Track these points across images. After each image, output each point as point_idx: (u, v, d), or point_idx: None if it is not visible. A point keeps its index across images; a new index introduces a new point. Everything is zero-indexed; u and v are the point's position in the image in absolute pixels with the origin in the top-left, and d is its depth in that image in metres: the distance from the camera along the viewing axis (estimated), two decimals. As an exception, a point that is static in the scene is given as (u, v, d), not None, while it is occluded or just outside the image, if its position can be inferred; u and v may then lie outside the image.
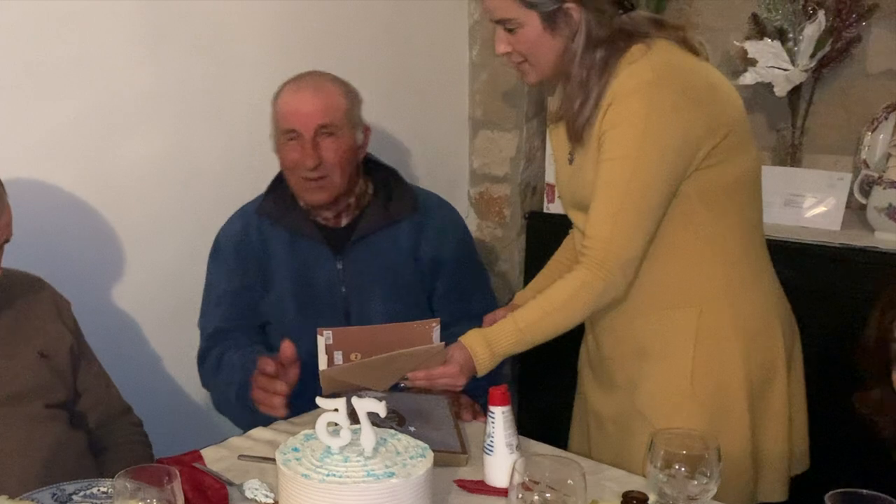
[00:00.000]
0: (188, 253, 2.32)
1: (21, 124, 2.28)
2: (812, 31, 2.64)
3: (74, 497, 1.66)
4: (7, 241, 1.85)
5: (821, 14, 2.63)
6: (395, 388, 1.90)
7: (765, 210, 1.98)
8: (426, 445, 1.53)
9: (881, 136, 2.63)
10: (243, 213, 2.31)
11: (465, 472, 1.75)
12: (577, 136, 1.86)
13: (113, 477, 1.40)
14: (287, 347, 1.96)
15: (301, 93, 2.17)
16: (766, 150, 2.86)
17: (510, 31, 1.84)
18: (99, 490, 1.68)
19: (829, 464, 2.02)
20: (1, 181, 1.86)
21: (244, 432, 1.98)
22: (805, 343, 2.03)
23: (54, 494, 1.66)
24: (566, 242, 2.17)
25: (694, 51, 1.84)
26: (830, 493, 1.30)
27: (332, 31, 2.81)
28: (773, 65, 2.68)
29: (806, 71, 2.68)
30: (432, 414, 1.93)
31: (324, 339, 1.84)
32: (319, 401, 1.50)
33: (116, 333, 2.47)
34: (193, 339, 2.32)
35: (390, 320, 2.03)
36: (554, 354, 2.08)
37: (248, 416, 2.08)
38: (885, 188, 2.49)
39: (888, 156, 2.55)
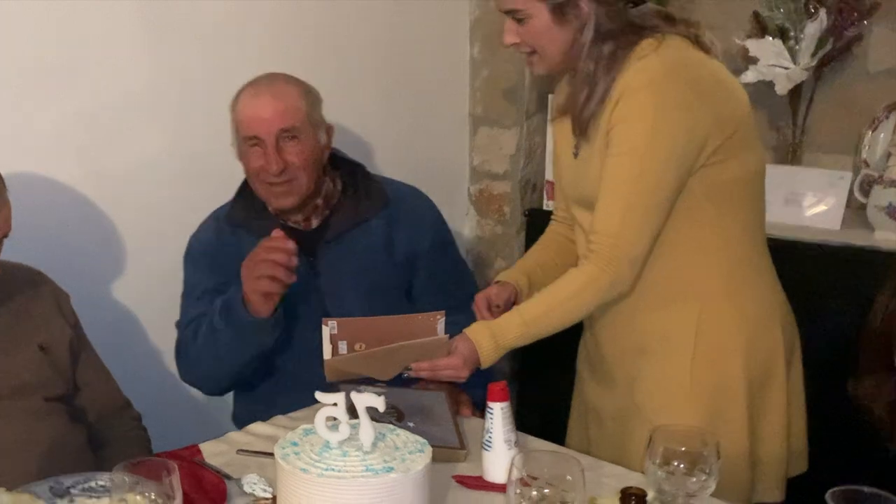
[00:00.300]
0: (188, 241, 2.32)
1: (21, 120, 2.28)
2: (813, 29, 2.64)
3: (72, 490, 1.66)
4: (6, 235, 1.86)
5: (822, 13, 2.63)
6: (398, 378, 1.90)
7: (765, 207, 1.98)
8: (425, 441, 1.53)
9: (882, 136, 2.63)
10: (215, 219, 2.29)
11: (464, 468, 1.76)
12: (582, 130, 1.85)
13: (111, 470, 1.40)
14: (277, 232, 2.01)
15: (259, 98, 2.14)
16: (767, 148, 2.85)
17: (519, 21, 1.83)
18: (97, 483, 1.67)
19: (828, 465, 2.02)
20: (1, 175, 1.86)
21: (243, 427, 1.98)
22: (804, 342, 2.02)
23: (52, 487, 1.66)
24: (549, 236, 2.15)
25: (705, 49, 1.84)
26: (831, 490, 1.30)
27: (332, 29, 2.81)
28: (775, 63, 2.68)
29: (807, 69, 2.68)
30: (431, 410, 1.93)
31: (328, 328, 1.84)
32: (318, 395, 1.50)
33: (116, 328, 2.47)
34: (192, 334, 2.32)
35: None
36: (553, 351, 2.07)
37: (237, 353, 2.07)
38: (885, 187, 2.49)
39: (888, 155, 2.55)
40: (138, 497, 1.37)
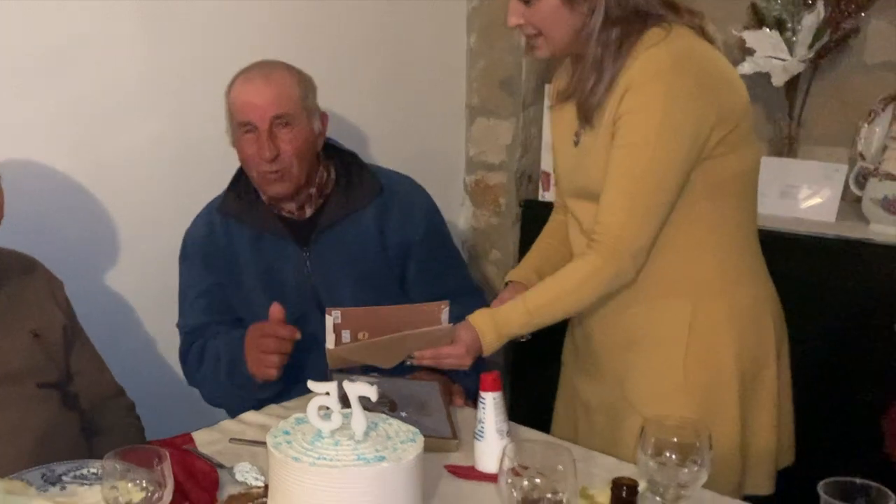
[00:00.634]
0: (183, 237, 2.32)
1: (16, 107, 2.28)
2: (811, 21, 2.63)
3: (64, 477, 1.66)
4: (-1, 222, 1.85)
5: (819, 4, 2.63)
6: (401, 365, 1.90)
7: (760, 201, 1.97)
8: (417, 430, 1.53)
9: (878, 128, 2.63)
10: (208, 212, 2.29)
11: (456, 458, 1.76)
12: (587, 117, 1.84)
13: (103, 458, 1.40)
14: (276, 310, 1.99)
15: (253, 84, 2.13)
16: (763, 140, 2.85)
17: (526, 2, 1.81)
18: (89, 471, 1.67)
19: (815, 458, 2.02)
20: (-5, 162, 1.86)
21: (235, 416, 1.98)
22: (798, 335, 2.02)
23: (44, 475, 1.66)
24: (553, 225, 2.15)
25: (710, 40, 1.83)
26: (824, 482, 1.30)
27: (328, 18, 2.80)
28: (771, 55, 2.68)
29: (804, 61, 2.67)
30: (424, 400, 1.93)
31: (332, 318, 1.84)
32: (311, 384, 1.50)
33: (110, 316, 2.46)
34: (186, 323, 2.32)
35: None
36: (546, 342, 2.07)
37: (238, 396, 2.08)
38: (880, 180, 2.49)
39: (884, 148, 2.55)
40: (130, 484, 1.37)
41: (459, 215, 3.32)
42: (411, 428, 1.53)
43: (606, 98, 1.79)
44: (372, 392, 1.47)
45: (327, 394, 1.48)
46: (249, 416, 1.96)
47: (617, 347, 1.95)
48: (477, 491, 1.64)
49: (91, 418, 2.04)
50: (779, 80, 2.69)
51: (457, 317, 1.87)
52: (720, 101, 1.77)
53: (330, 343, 1.84)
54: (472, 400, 1.92)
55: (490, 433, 1.69)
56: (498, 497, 1.39)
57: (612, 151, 1.79)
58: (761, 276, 1.96)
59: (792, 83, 2.73)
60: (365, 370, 2.03)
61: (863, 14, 2.67)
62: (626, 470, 1.61)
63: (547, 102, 2.65)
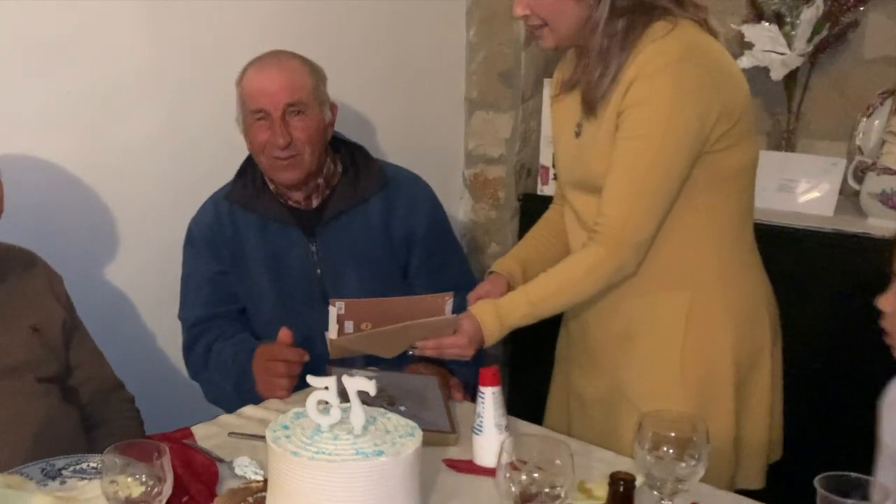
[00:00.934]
0: (183, 230, 2.31)
1: (16, 99, 2.28)
2: (809, 15, 2.63)
3: (64, 472, 1.67)
4: (-1, 216, 1.86)
5: (818, -1, 2.63)
6: (403, 355, 1.91)
7: (758, 195, 1.98)
8: (415, 424, 1.53)
9: (876, 122, 2.63)
10: (214, 201, 2.30)
11: (455, 452, 1.76)
12: (591, 108, 1.84)
13: (103, 452, 1.40)
14: (285, 335, 2.00)
15: (266, 72, 2.16)
16: (761, 134, 2.85)
17: None
18: (88, 465, 1.69)
19: (804, 453, 2.03)
20: (-6, 157, 1.86)
21: (235, 410, 1.99)
22: (794, 328, 2.03)
23: (44, 469, 1.67)
24: (550, 215, 2.14)
25: (713, 34, 1.83)
26: (820, 476, 1.30)
27: (329, 11, 2.80)
28: (770, 49, 2.68)
29: (802, 55, 2.67)
30: (423, 394, 1.93)
31: (335, 309, 1.84)
32: (310, 379, 1.50)
33: (109, 310, 2.47)
34: (186, 317, 2.32)
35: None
36: (545, 336, 2.08)
37: (242, 403, 2.09)
38: (878, 174, 2.49)
39: (882, 142, 2.55)
40: (129, 479, 1.38)
41: (458, 209, 3.32)
42: (410, 422, 1.54)
43: (611, 90, 1.79)
44: (370, 386, 1.48)
45: (326, 388, 1.48)
46: (249, 410, 1.96)
47: (613, 340, 1.95)
48: (475, 485, 1.65)
49: (90, 412, 2.04)
50: (777, 74, 2.69)
51: (458, 309, 1.88)
52: (724, 97, 1.78)
53: (332, 333, 1.85)
54: (472, 394, 1.93)
55: (489, 427, 1.70)
56: (496, 491, 1.39)
57: (616, 143, 1.79)
58: (757, 270, 1.97)
59: (790, 77, 2.73)
60: (366, 361, 2.04)
61: (861, 8, 2.67)
62: (624, 464, 1.62)
63: (547, 92, 2.65)
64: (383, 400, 1.81)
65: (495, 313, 1.83)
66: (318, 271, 2.22)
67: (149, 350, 2.60)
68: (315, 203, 2.25)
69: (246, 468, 1.66)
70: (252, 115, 2.16)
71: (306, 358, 2.00)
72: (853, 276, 2.42)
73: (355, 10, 2.85)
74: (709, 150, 1.79)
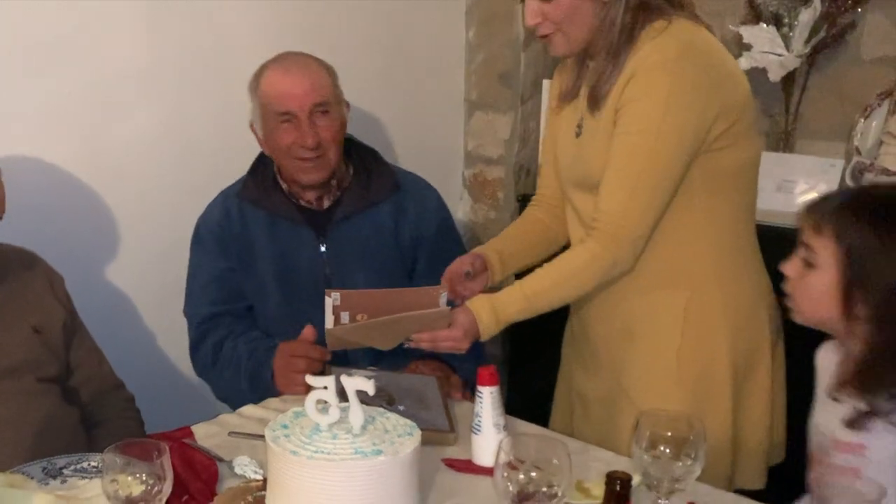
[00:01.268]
0: (183, 230, 2.32)
1: (16, 99, 2.28)
2: (807, 16, 2.64)
3: (65, 471, 1.68)
4: (0, 217, 1.86)
5: (816, 0, 2.63)
6: (404, 352, 1.92)
7: (757, 195, 1.98)
8: (414, 424, 1.54)
9: (874, 123, 2.63)
10: (224, 198, 2.30)
11: (453, 452, 1.77)
12: (596, 103, 1.84)
13: (103, 451, 1.41)
14: (309, 332, 2.02)
15: (291, 74, 2.17)
16: (759, 135, 2.86)
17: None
18: (89, 464, 1.69)
19: (805, 452, 2.03)
20: (-5, 157, 1.87)
21: (235, 409, 2.00)
22: (791, 329, 2.03)
23: (45, 468, 1.68)
24: (529, 218, 2.15)
25: (707, 28, 1.84)
26: None
27: (329, 11, 2.80)
28: (768, 50, 2.68)
29: (800, 57, 2.68)
30: (422, 393, 1.94)
31: (332, 300, 1.85)
32: (309, 378, 1.51)
33: (110, 310, 2.47)
34: (186, 317, 2.33)
35: None
36: (543, 335, 2.08)
37: (253, 400, 2.10)
38: (876, 175, 2.49)
39: (880, 143, 2.55)
40: (130, 478, 1.38)
41: (458, 209, 3.33)
42: (409, 421, 1.54)
43: (611, 87, 1.81)
44: (369, 386, 1.48)
45: (325, 388, 1.49)
46: (248, 409, 1.97)
47: (614, 338, 1.96)
48: (474, 484, 1.66)
49: (91, 411, 2.05)
50: (775, 75, 2.69)
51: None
52: (723, 95, 1.78)
53: (329, 324, 1.86)
54: (471, 392, 1.93)
55: (487, 427, 1.71)
56: (494, 490, 1.40)
57: (614, 139, 1.79)
58: (757, 269, 1.97)
59: (789, 78, 2.73)
60: (367, 361, 2.04)
61: (859, 9, 2.67)
62: (622, 464, 1.62)
63: (546, 92, 2.65)
64: (382, 399, 1.82)
65: (491, 307, 1.83)
66: (327, 271, 2.23)
67: (149, 350, 2.60)
68: (326, 203, 2.26)
69: (245, 467, 1.66)
70: (277, 118, 2.17)
71: (328, 357, 2.01)
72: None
73: (355, 10, 2.86)
74: (707, 149, 1.79)
